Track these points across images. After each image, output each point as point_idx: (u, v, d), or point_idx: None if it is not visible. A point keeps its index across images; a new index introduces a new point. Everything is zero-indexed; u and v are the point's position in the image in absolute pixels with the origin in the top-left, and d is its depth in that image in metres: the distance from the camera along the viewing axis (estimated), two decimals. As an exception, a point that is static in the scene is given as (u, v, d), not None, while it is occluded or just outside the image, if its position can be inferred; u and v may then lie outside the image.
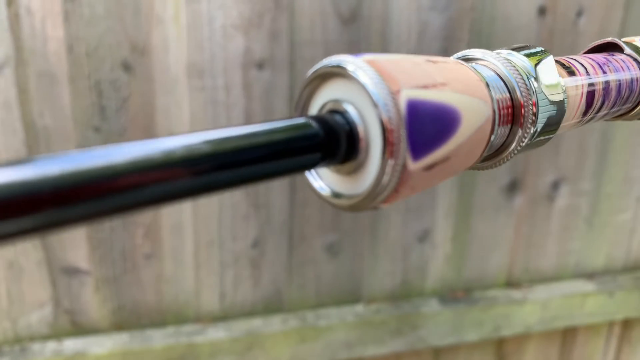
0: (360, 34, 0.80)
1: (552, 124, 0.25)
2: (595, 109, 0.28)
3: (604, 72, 0.28)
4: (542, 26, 0.87)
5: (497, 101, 0.22)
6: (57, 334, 0.82)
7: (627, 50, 0.32)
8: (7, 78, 0.71)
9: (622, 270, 1.06)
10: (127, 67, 0.73)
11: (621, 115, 0.32)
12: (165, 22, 0.73)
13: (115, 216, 0.15)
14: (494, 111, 0.22)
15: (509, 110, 0.23)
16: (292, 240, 0.87)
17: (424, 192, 0.90)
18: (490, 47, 0.84)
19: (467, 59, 0.25)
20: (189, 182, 0.16)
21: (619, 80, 0.29)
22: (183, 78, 0.75)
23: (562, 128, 0.26)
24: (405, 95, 0.19)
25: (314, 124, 0.19)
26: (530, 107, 0.23)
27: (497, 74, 0.23)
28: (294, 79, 0.80)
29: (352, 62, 0.19)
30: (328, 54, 0.80)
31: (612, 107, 0.29)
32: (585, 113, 0.27)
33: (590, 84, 0.27)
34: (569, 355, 1.09)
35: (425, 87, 0.19)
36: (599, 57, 0.30)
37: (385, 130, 0.18)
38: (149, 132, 0.77)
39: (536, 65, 0.24)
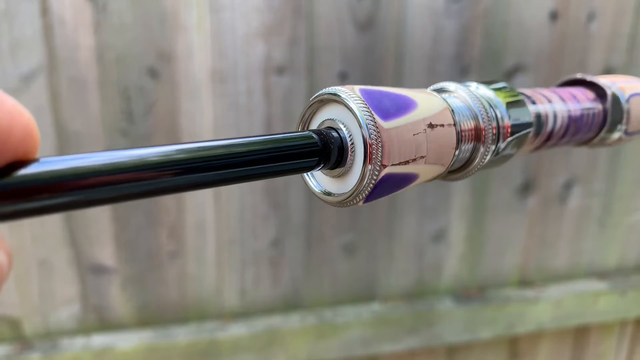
0: (376, 39, 0.83)
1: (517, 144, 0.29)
2: (559, 135, 0.31)
3: (564, 101, 0.32)
4: (553, 30, 0.89)
5: (461, 124, 0.27)
6: (85, 330, 0.86)
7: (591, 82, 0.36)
8: (40, 85, 0.74)
9: (635, 269, 1.08)
10: (153, 73, 0.77)
11: (584, 142, 0.35)
12: (190, 30, 0.76)
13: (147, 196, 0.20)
14: (457, 132, 0.26)
15: (472, 132, 0.27)
16: (310, 239, 0.90)
17: (439, 193, 0.93)
18: (503, 51, 0.86)
19: (443, 90, 0.30)
20: (217, 174, 0.21)
21: (580, 110, 0.32)
22: (207, 84, 0.78)
23: (523, 151, 0.30)
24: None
25: (314, 136, 0.24)
26: (491, 130, 0.28)
27: (465, 103, 0.28)
28: (313, 84, 0.82)
29: (344, 92, 0.24)
30: (345, 59, 0.82)
31: (575, 134, 0.32)
32: (536, 135, 0.31)
33: (553, 112, 0.31)
34: (582, 353, 1.11)
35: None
36: (562, 90, 0.33)
37: (366, 145, 0.23)
38: (174, 136, 0.80)
39: (506, 100, 0.29)
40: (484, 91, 0.29)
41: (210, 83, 0.79)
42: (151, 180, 0.20)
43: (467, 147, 0.27)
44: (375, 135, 0.23)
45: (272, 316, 0.91)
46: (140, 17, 0.74)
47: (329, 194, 0.26)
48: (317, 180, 0.27)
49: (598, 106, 0.34)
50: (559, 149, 0.94)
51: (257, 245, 0.88)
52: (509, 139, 0.28)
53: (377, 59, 0.84)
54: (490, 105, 0.28)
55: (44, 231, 0.80)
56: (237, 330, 0.88)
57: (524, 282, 1.03)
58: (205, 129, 0.80)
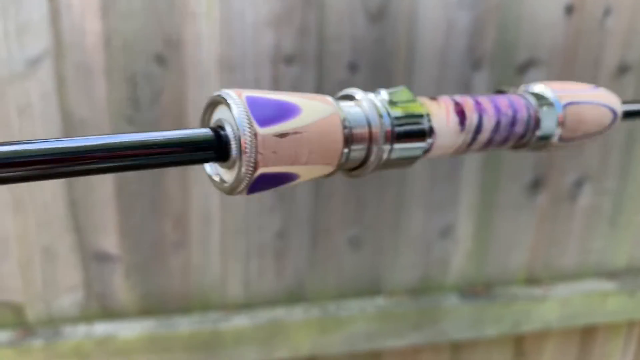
0: (387, 30, 0.82)
1: (418, 135, 0.32)
2: (474, 123, 0.33)
3: (497, 108, 0.34)
4: (569, 25, 0.87)
5: (352, 128, 0.30)
6: (87, 317, 0.86)
7: (516, 91, 0.38)
8: (47, 70, 0.74)
9: (644, 270, 1.06)
10: (161, 60, 0.76)
11: (517, 146, 0.36)
12: (199, 17, 0.75)
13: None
14: (345, 134, 0.29)
15: (365, 135, 0.30)
16: (315, 232, 0.89)
17: (447, 188, 0.91)
18: (516, 45, 0.85)
19: (349, 97, 0.32)
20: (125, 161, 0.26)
21: (511, 116, 0.34)
22: (215, 72, 0.77)
23: (441, 146, 0.33)
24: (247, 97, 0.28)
25: (210, 133, 0.27)
26: (384, 134, 0.30)
27: (362, 110, 0.30)
28: (321, 74, 0.81)
29: (231, 97, 0.27)
30: (355, 50, 0.81)
31: (505, 140, 0.34)
32: (462, 124, 0.32)
33: (456, 102, 0.33)
34: (588, 353, 1.09)
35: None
36: (501, 97, 0.35)
37: (240, 148, 0.27)
38: (180, 124, 0.79)
39: (392, 97, 0.32)
40: (384, 98, 0.31)
41: (218, 71, 0.78)
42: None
43: (358, 147, 0.30)
44: (249, 139, 0.26)
45: (275, 308, 0.90)
46: (149, 3, 0.73)
47: (224, 182, 0.29)
48: (217, 170, 0.30)
49: (532, 113, 0.35)
50: (569, 150, 0.92)
51: (262, 236, 0.87)
52: (404, 142, 0.31)
53: (388, 51, 0.82)
54: (388, 113, 0.31)
55: (48, 218, 0.80)
56: (240, 321, 0.87)
57: (532, 280, 1.02)
58: (212, 118, 0.79)
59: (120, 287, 0.85)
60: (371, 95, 0.31)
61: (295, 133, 0.27)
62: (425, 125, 0.32)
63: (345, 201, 0.89)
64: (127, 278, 0.85)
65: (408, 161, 0.32)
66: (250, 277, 0.89)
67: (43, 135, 0.76)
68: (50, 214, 0.80)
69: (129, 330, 0.85)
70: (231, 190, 0.28)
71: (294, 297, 0.91)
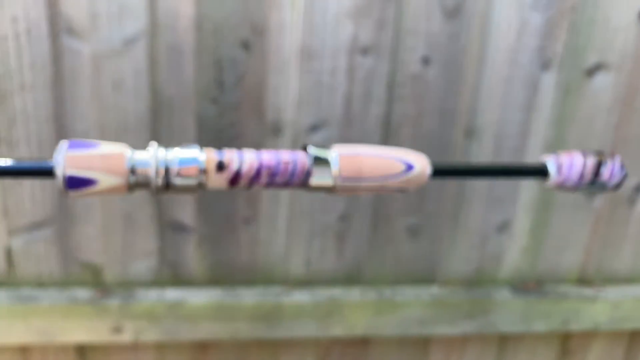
0: (461, 28, 0.84)
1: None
2: (250, 176, 0.42)
3: (260, 157, 0.42)
4: (642, 31, 0.88)
5: (137, 166, 0.40)
6: (159, 283, 0.92)
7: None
8: (141, 49, 0.79)
9: (698, 279, 1.06)
10: (246, 46, 0.80)
11: (295, 185, 0.43)
12: (284, 6, 0.79)
13: None
14: (129, 166, 0.40)
15: (148, 172, 0.40)
16: (376, 218, 0.93)
17: (508, 184, 0.94)
18: (586, 48, 0.86)
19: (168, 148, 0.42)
20: None
21: (275, 161, 0.42)
22: (295, 60, 0.82)
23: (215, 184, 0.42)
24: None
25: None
26: (157, 171, 0.40)
27: (148, 158, 0.41)
28: (394, 66, 0.85)
29: (59, 153, 0.39)
30: (429, 44, 0.84)
31: (272, 179, 0.42)
32: (236, 176, 0.42)
33: (240, 161, 0.42)
34: (634, 357, 1.10)
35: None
36: (270, 152, 0.43)
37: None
38: (259, 108, 0.83)
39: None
40: (171, 153, 0.41)
41: (298, 59, 0.82)
42: None
43: (141, 176, 0.40)
44: (64, 156, 0.38)
45: (334, 288, 0.94)
46: (239, -9, 0.78)
47: None
48: None
49: (301, 159, 0.42)
50: (633, 149, 0.93)
51: (326, 218, 0.91)
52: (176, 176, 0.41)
53: (461, 47, 0.85)
54: (167, 160, 0.40)
55: (131, 187, 0.86)
56: (301, 297, 0.92)
57: (583, 280, 1.03)
58: (289, 103, 0.84)
59: (192, 256, 0.91)
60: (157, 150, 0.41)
61: None
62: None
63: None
64: (198, 248, 0.90)
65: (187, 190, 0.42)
66: (312, 255, 0.93)
67: (132, 109, 0.81)
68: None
69: (197, 297, 0.90)
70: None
71: (352, 278, 0.96)
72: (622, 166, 0.48)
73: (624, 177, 0.48)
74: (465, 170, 0.52)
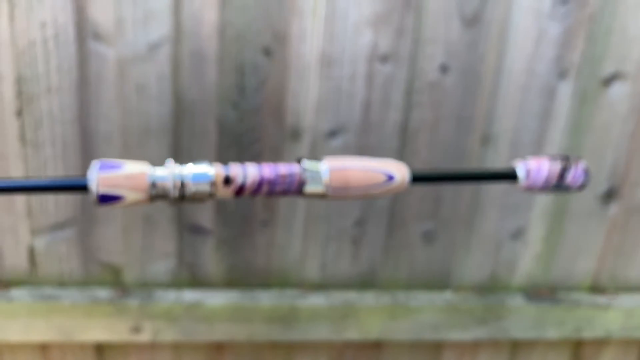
0: (480, 36, 0.85)
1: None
2: (253, 188, 0.47)
3: (261, 171, 0.47)
4: (660, 41, 0.88)
5: (157, 180, 0.45)
6: (178, 284, 0.93)
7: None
8: (165, 54, 0.80)
9: None
10: (267, 52, 0.82)
11: (292, 193, 0.48)
12: (305, 14, 0.81)
13: None
14: (150, 182, 0.45)
15: (167, 185, 0.45)
16: (391, 223, 0.94)
17: (522, 192, 0.94)
18: (603, 57, 0.87)
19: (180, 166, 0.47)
20: None
21: (275, 174, 0.47)
22: (315, 66, 0.83)
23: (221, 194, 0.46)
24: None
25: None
26: (174, 187, 0.45)
27: (169, 173, 0.45)
28: (413, 74, 0.86)
29: (92, 173, 0.44)
30: (448, 52, 0.85)
31: (272, 189, 0.47)
32: (241, 188, 0.47)
33: (244, 175, 0.47)
34: (646, 366, 1.11)
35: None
36: (271, 165, 0.47)
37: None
38: (279, 113, 0.85)
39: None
40: (190, 167, 0.46)
41: (318, 66, 0.83)
42: None
43: (160, 189, 0.45)
44: (96, 176, 0.43)
45: (348, 291, 0.95)
46: (262, -1, 0.79)
47: None
48: None
49: (297, 171, 0.47)
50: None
51: (341, 223, 0.93)
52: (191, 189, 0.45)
53: (479, 55, 0.86)
54: (182, 175, 0.45)
55: (152, 189, 0.87)
56: (316, 300, 0.93)
57: (596, 288, 1.04)
58: (308, 109, 0.85)
59: (210, 258, 0.92)
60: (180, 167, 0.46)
61: None
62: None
63: (423, 196, 0.93)
64: (216, 251, 0.92)
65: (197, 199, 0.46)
66: (327, 259, 0.95)
67: (155, 112, 0.83)
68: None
69: (215, 299, 0.92)
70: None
71: (366, 282, 0.97)
72: (586, 170, 0.53)
73: (587, 180, 0.53)
74: (443, 176, 0.57)
